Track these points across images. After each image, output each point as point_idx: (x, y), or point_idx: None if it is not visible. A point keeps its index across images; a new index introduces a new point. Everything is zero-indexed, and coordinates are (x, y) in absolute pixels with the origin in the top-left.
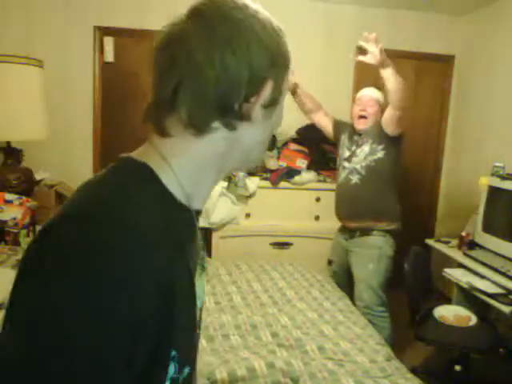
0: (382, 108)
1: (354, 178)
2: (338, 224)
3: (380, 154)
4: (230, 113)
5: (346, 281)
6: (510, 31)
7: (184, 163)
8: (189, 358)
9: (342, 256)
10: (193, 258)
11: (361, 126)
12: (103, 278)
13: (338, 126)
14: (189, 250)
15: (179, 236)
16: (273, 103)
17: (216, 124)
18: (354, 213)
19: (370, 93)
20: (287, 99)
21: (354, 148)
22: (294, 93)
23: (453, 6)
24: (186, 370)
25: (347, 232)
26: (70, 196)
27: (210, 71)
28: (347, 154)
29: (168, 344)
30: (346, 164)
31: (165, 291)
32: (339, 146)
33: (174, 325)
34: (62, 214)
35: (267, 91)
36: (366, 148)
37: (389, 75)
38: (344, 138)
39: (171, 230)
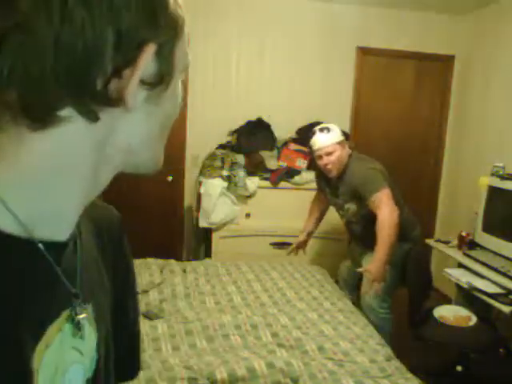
0: (343, 141)
1: (355, 227)
2: (337, 224)
3: (367, 208)
4: (89, 93)
5: (354, 280)
6: (510, 31)
7: (15, 174)
8: None
9: (357, 254)
10: (30, 313)
11: (332, 173)
12: None
13: (319, 185)
14: (14, 305)
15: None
16: (161, 81)
17: (68, 111)
18: (369, 247)
19: (324, 144)
20: (287, 96)
21: (341, 198)
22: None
23: (453, 6)
24: None
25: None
26: None
27: (44, 27)
28: (337, 201)
29: None
30: (340, 212)
31: None
32: (324, 192)
33: None
34: None
35: (147, 61)
36: (353, 206)
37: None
38: (324, 186)
39: None
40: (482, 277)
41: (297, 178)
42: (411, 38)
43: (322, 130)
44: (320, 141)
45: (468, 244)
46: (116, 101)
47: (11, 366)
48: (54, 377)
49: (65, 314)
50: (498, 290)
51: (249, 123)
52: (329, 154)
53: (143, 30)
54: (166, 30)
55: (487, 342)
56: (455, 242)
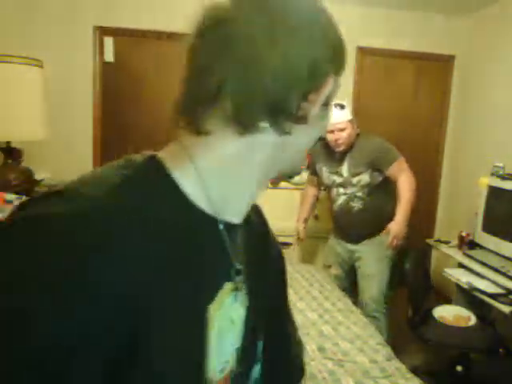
0: (353, 120)
1: (357, 205)
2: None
3: (381, 177)
4: (285, 112)
5: (348, 282)
6: (510, 31)
7: (216, 166)
8: None
9: (344, 257)
10: (211, 282)
11: (341, 147)
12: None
13: (312, 165)
14: (202, 272)
15: (186, 251)
16: (328, 102)
17: (264, 124)
18: (359, 235)
19: (337, 120)
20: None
21: (345, 175)
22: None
23: (453, 6)
24: None
25: (351, 239)
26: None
27: (270, 60)
28: (338, 179)
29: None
30: (341, 190)
31: (131, 311)
32: (319, 174)
33: (143, 348)
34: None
35: (328, 88)
36: (365, 177)
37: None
38: (321, 166)
39: (174, 242)
40: (482, 277)
41: (297, 178)
42: (411, 38)
43: (336, 105)
44: (335, 116)
45: (468, 244)
46: (302, 119)
47: (193, 313)
48: (217, 336)
49: (227, 285)
50: (497, 290)
51: None
52: (341, 130)
53: (330, 63)
54: (341, 63)
55: (487, 342)
56: (455, 241)
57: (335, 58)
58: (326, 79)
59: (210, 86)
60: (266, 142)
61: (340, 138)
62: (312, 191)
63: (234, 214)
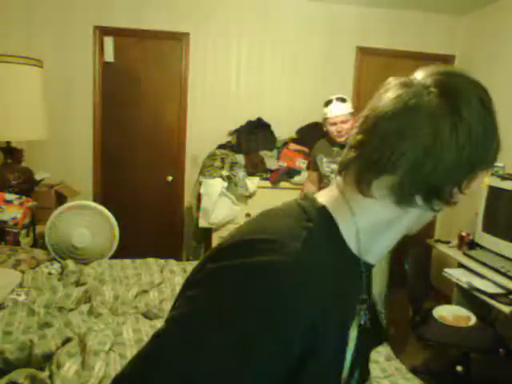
0: (354, 113)
1: None
2: None
3: None
4: (439, 196)
5: None
6: (510, 31)
7: (370, 224)
8: None
9: None
10: (352, 310)
11: (343, 138)
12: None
13: (313, 158)
14: (349, 302)
15: (342, 287)
16: (469, 190)
17: (419, 200)
18: None
19: (340, 112)
20: (287, 96)
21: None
22: None
23: (453, 6)
24: None
25: None
26: (254, 220)
27: (447, 156)
28: (335, 166)
29: None
30: (342, 173)
31: (309, 338)
32: (319, 165)
33: (305, 373)
34: (247, 235)
35: (478, 182)
36: None
37: None
38: (321, 157)
39: (337, 280)
40: (482, 277)
41: (297, 178)
42: (411, 38)
43: (338, 99)
44: (337, 109)
45: (468, 244)
46: (448, 202)
47: (342, 336)
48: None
49: (357, 308)
50: (497, 290)
51: (249, 123)
52: (343, 122)
53: (490, 164)
54: (494, 163)
55: (487, 342)
56: (455, 241)
57: (494, 159)
58: (478, 174)
59: (388, 160)
60: (414, 213)
61: (342, 130)
62: (311, 189)
63: (373, 258)
